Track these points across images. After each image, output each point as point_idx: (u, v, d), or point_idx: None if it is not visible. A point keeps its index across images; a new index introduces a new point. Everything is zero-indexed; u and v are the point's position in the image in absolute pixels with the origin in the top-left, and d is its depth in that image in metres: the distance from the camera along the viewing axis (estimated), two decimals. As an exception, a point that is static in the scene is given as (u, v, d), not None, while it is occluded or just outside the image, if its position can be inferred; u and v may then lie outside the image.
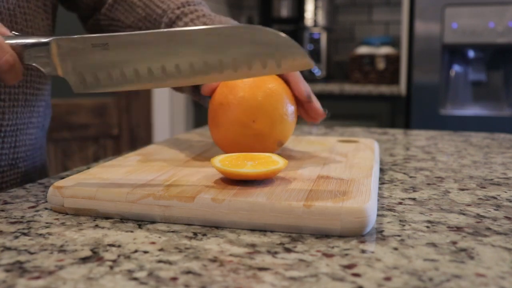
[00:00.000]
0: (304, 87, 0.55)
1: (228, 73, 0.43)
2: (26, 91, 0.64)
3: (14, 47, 0.46)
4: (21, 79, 0.48)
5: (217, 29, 0.43)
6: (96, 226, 0.39)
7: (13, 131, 0.63)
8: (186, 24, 0.61)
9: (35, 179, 0.69)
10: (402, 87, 2.02)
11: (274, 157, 0.46)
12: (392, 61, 2.20)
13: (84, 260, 0.32)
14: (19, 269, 0.31)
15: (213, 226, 0.39)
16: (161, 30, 0.44)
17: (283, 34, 0.41)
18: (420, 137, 0.87)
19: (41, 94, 0.68)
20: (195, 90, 0.64)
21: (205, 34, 0.43)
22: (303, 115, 0.57)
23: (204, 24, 0.60)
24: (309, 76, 2.31)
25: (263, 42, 0.42)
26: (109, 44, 0.45)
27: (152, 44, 0.44)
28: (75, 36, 0.45)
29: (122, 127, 2.24)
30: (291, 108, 0.53)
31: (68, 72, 0.46)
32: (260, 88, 0.51)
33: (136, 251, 0.34)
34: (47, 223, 0.40)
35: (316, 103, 0.56)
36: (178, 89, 0.66)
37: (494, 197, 0.47)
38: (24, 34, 0.54)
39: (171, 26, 0.61)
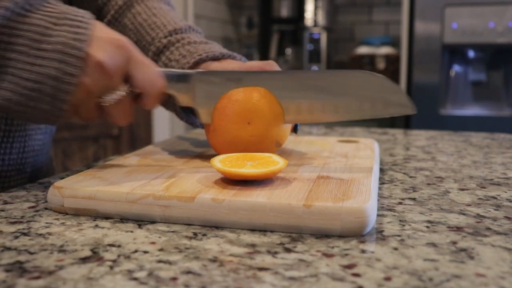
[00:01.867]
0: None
1: (341, 114, 0.51)
2: None
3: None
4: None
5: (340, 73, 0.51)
6: (96, 226, 0.39)
7: (22, 137, 0.64)
8: (172, 53, 0.62)
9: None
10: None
11: (274, 157, 0.46)
12: (392, 61, 2.20)
13: (84, 260, 0.32)
14: (19, 269, 0.31)
15: (213, 226, 0.39)
16: (290, 71, 0.54)
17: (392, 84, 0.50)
18: (420, 137, 0.87)
19: None
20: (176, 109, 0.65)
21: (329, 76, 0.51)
22: None
23: (189, 51, 0.61)
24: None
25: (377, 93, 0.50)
26: (243, 79, 0.52)
27: (279, 85, 0.52)
28: (213, 71, 0.53)
29: (122, 127, 2.24)
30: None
31: (201, 102, 0.53)
32: (253, 91, 0.51)
33: (136, 251, 0.34)
34: (47, 223, 0.40)
35: None
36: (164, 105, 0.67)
37: (494, 197, 0.47)
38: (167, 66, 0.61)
39: (158, 56, 0.63)
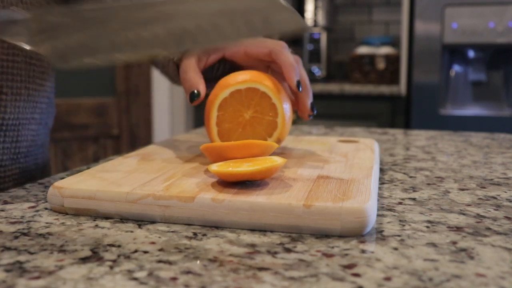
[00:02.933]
0: (294, 74, 0.53)
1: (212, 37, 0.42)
2: (29, 86, 0.64)
3: None
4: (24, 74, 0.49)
5: None
6: (96, 226, 0.39)
7: (15, 126, 0.64)
8: None
9: (36, 176, 0.69)
10: (402, 87, 2.02)
11: (273, 158, 0.46)
12: (392, 61, 2.20)
13: (84, 260, 0.32)
14: (19, 269, 0.31)
15: (213, 226, 0.39)
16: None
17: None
18: (420, 137, 0.87)
19: (44, 90, 0.68)
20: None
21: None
22: (294, 106, 0.57)
23: None
24: (309, 76, 2.31)
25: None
26: (88, 19, 0.43)
27: (130, 10, 0.43)
28: (52, 8, 0.45)
29: (122, 127, 2.24)
30: (286, 106, 0.53)
31: (48, 47, 0.45)
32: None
33: (136, 251, 0.34)
34: (47, 223, 0.40)
35: (304, 97, 0.55)
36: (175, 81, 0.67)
37: (494, 197, 0.47)
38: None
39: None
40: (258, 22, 0.41)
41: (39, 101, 0.67)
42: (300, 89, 0.54)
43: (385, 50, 2.22)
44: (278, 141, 0.54)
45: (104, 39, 0.44)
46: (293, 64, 0.54)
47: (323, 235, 0.37)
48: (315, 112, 0.56)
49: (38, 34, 0.45)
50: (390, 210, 0.43)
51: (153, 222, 0.40)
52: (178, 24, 0.42)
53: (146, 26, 0.43)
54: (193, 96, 0.53)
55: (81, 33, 0.44)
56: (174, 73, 0.64)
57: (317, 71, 2.33)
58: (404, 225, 0.39)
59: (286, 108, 0.53)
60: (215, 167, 0.44)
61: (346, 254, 0.33)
